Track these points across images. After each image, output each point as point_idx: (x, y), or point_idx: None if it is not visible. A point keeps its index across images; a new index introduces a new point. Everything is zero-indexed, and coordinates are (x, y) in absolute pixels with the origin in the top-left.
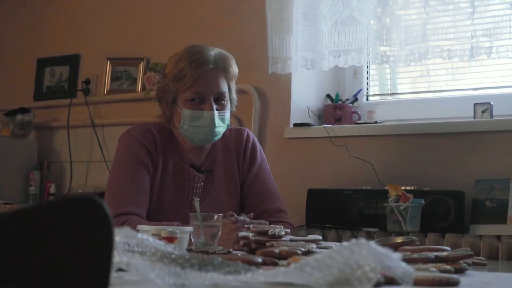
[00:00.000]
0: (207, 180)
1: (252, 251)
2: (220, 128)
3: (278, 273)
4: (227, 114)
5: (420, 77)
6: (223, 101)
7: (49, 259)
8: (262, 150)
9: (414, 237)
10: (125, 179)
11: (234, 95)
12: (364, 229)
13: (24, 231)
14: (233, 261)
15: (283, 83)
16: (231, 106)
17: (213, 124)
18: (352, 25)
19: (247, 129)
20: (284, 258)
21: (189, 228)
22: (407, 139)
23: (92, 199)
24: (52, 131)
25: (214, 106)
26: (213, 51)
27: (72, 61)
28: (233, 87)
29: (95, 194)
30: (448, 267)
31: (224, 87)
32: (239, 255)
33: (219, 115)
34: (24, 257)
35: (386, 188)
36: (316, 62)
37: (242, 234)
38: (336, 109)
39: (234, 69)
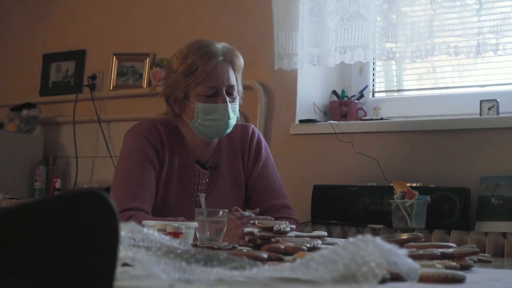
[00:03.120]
0: (212, 177)
1: (258, 247)
2: (233, 120)
3: (284, 269)
4: (237, 106)
5: (426, 73)
6: (234, 93)
7: (54, 253)
8: (267, 146)
9: (420, 234)
10: (131, 175)
11: (240, 87)
12: (370, 225)
13: (30, 226)
14: (238, 256)
15: (289, 79)
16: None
17: (227, 116)
18: (358, 21)
19: (252, 125)
20: (290, 254)
21: (195, 224)
22: (413, 135)
23: (98, 193)
24: (57, 126)
25: (227, 99)
26: (219, 45)
27: (78, 56)
28: (239, 79)
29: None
30: (454, 263)
31: (233, 80)
32: (244, 250)
33: (231, 107)
34: (29, 251)
35: (391, 184)
36: (322, 58)
37: (247, 230)
38: (342, 105)
39: (241, 61)
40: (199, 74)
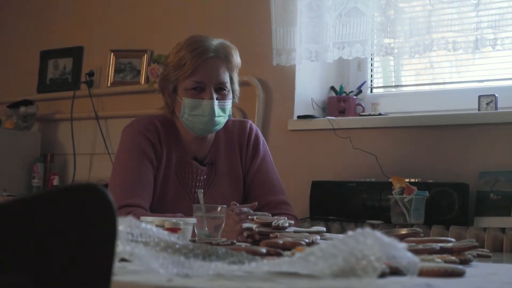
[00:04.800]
0: (210, 173)
1: (256, 243)
2: (221, 117)
3: (283, 263)
4: (228, 104)
5: (424, 69)
6: (224, 91)
7: (52, 248)
8: (265, 142)
9: (419, 229)
10: (129, 171)
11: (236, 86)
12: (368, 221)
13: (28, 220)
14: (237, 251)
15: (287, 75)
16: (233, 97)
17: (212, 113)
18: (357, 17)
19: (250, 121)
20: (288, 249)
21: (193, 220)
22: (411, 131)
23: (96, 187)
24: (55, 123)
25: (214, 95)
26: (215, 41)
27: (76, 53)
28: (235, 78)
29: None
30: (453, 258)
31: (225, 77)
32: (243, 246)
33: (219, 105)
34: (27, 246)
35: (390, 180)
36: (320, 54)
37: (246, 225)
38: (340, 101)
39: (236, 59)
40: (186, 68)
